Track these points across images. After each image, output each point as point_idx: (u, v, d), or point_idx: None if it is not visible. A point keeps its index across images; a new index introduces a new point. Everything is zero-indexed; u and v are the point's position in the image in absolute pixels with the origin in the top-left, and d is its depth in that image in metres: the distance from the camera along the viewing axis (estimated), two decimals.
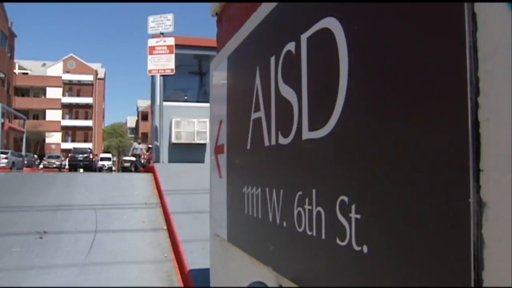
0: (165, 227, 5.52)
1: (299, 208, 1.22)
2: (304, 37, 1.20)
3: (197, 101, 12.35)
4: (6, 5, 52.91)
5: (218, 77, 2.28)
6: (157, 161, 10.90)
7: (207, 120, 11.33)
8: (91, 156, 41.10)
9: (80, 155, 40.41)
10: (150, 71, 10.87)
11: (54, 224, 5.67)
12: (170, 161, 11.25)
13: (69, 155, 40.66)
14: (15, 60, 64.58)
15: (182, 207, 5.69)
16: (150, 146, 32.66)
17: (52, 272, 4.36)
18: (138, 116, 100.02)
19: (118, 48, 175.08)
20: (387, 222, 0.84)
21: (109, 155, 63.16)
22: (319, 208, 1.10)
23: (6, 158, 32.92)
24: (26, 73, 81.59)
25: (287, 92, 1.31)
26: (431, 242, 0.72)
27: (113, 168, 62.85)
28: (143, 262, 4.63)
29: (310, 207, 1.15)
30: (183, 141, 11.43)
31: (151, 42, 10.81)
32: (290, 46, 1.29)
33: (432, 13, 0.73)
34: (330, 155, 1.06)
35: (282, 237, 1.36)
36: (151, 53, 10.77)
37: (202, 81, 12.76)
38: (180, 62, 11.21)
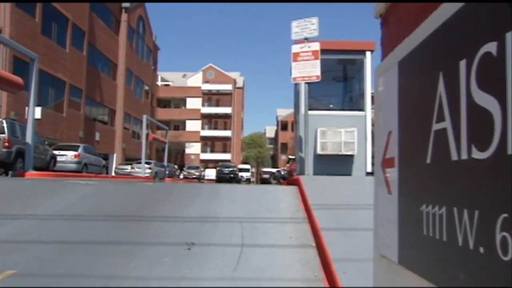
0: (314, 244, 5.56)
1: (504, 233, 1.14)
2: (510, 35, 1.13)
3: (343, 109, 12.31)
4: (151, 19, 58.25)
5: (386, 83, 2.25)
6: (302, 173, 11.06)
7: (355, 129, 11.23)
8: (235, 169, 49.40)
9: (226, 169, 49.16)
10: (294, 78, 11.07)
11: (201, 236, 6.02)
12: (315, 173, 11.33)
13: (217, 168, 50.01)
14: (157, 73, 70.75)
15: (331, 223, 5.68)
16: (291, 157, 33.44)
17: (201, 284, 4.65)
18: (277, 125, 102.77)
19: (257, 56, 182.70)
20: None
21: (247, 166, 65.95)
22: None
23: (149, 168, 36.25)
24: (168, 85, 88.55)
25: (485, 100, 1.25)
26: None
27: (252, 180, 65.27)
28: (292, 280, 4.72)
29: None
30: (329, 152, 11.46)
31: (295, 48, 11.02)
32: (489, 47, 1.23)
33: None
34: None
35: (478, 265, 1.28)
36: (295, 60, 10.96)
37: (347, 88, 12.70)
38: (323, 68, 11.26)
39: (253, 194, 9.42)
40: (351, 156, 11.47)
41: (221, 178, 46.20)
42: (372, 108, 11.85)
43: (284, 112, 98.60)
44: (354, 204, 6.44)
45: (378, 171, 2.35)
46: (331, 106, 12.76)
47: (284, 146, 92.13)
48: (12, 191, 8.89)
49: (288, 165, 30.60)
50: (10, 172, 16.40)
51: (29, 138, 16.88)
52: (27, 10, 30.04)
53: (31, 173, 16.28)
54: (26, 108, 18.08)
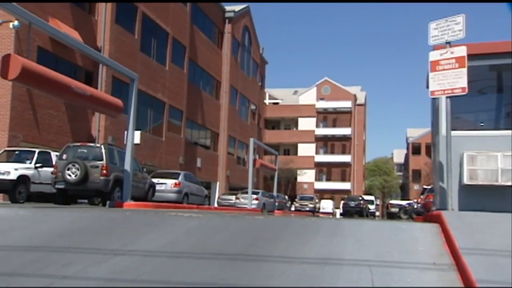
0: None
1: None
2: None
3: (498, 128, 11.64)
4: (257, 29, 59.81)
5: None
6: (443, 207, 10.55)
7: None
8: (361, 203, 54.35)
9: (352, 202, 54.38)
10: (432, 92, 10.62)
11: (322, 281, 5.90)
12: (460, 208, 10.80)
13: (342, 202, 55.68)
14: (265, 90, 72.08)
15: (490, 274, 5.28)
16: (426, 187, 32.29)
17: None
18: (407, 149, 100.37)
19: (381, 67, 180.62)
20: None
21: (371, 198, 64.95)
22: None
23: (256, 199, 36.76)
24: (277, 103, 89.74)
25: None
26: None
27: (377, 214, 63.99)
28: None
29: None
30: (480, 182, 10.92)
31: (434, 55, 10.59)
32: None
33: None
34: None
35: None
36: (434, 70, 10.53)
37: (503, 101, 12.02)
38: (469, 77, 10.70)
39: (382, 231, 9.12)
40: None
41: (347, 212, 52.18)
42: None
43: (416, 132, 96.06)
44: None
45: None
46: (481, 124, 12.17)
47: (417, 174, 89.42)
48: (112, 224, 9.36)
49: (422, 196, 29.54)
50: (107, 202, 17.39)
51: (127, 165, 17.77)
52: (126, 26, 32.21)
53: (129, 204, 17.15)
54: (125, 132, 19.15)
